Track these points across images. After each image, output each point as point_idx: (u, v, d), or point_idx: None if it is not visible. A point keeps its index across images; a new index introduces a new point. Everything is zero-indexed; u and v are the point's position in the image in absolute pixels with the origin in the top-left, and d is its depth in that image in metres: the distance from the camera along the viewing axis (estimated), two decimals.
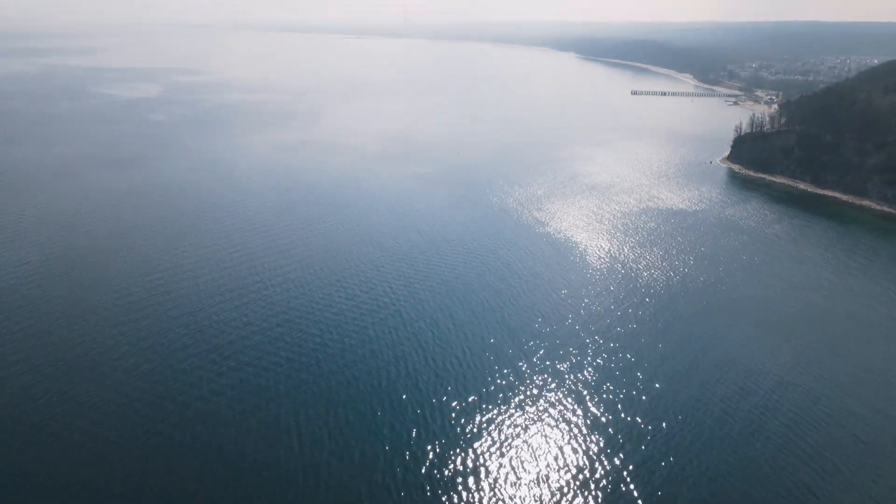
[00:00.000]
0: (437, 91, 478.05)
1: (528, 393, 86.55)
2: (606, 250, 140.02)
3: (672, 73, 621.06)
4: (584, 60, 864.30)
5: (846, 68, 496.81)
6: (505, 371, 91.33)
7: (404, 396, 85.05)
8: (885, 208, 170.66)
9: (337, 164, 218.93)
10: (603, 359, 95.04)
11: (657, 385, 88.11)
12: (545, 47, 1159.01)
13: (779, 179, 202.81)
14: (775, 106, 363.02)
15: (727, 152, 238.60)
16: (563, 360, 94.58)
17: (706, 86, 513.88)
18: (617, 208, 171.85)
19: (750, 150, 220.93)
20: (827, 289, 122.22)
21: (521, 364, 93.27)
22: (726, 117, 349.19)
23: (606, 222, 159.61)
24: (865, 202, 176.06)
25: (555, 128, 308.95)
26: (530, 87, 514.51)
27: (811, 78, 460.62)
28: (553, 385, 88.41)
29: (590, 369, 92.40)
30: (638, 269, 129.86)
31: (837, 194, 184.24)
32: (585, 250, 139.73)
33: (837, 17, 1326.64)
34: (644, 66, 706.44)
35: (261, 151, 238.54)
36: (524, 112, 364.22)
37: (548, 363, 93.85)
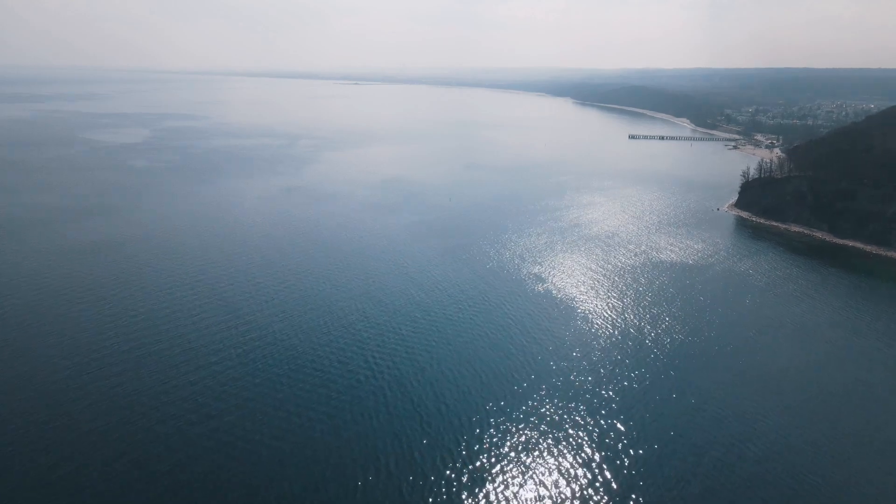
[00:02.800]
0: (431, 136, 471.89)
1: (531, 471, 75.66)
2: (612, 311, 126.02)
3: (669, 117, 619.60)
4: (580, 105, 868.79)
5: (843, 113, 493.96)
6: (509, 442, 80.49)
7: (404, 487, 72.45)
8: None
9: (327, 212, 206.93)
10: (605, 433, 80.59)
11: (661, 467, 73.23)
12: (541, 93, 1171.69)
13: (793, 228, 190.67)
14: (777, 150, 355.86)
15: (734, 199, 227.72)
16: (566, 435, 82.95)
17: (704, 130, 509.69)
18: (621, 262, 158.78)
19: (759, 196, 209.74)
20: (871, 360, 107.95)
21: (527, 438, 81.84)
22: (728, 161, 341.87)
23: (610, 278, 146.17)
24: (891, 253, 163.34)
25: (552, 173, 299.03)
26: (526, 133, 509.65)
27: (810, 122, 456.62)
28: (554, 459, 77.72)
29: (595, 451, 78.15)
30: (646, 333, 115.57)
31: (859, 244, 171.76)
32: (591, 311, 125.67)
33: (828, 63, 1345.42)
34: (640, 110, 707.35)
35: (247, 198, 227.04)
36: (520, 157, 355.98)
37: (551, 434, 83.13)
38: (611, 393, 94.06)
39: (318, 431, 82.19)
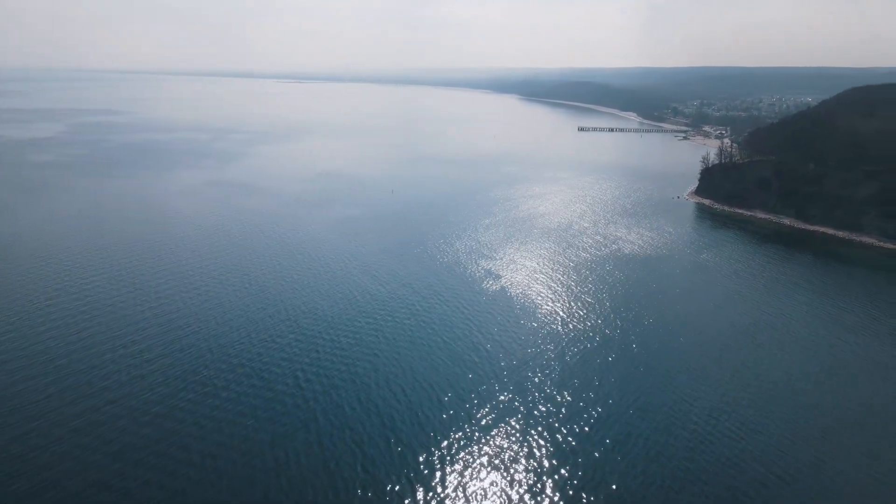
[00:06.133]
0: (375, 131, 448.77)
1: (493, 472, 63.94)
2: (572, 306, 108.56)
3: (615, 111, 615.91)
4: (527, 101, 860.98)
5: (784, 105, 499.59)
6: (470, 443, 67.23)
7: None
8: (889, 245, 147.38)
9: (249, 208, 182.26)
10: (567, 431, 62.85)
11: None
12: (486, 90, 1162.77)
13: (759, 215, 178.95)
14: (726, 140, 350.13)
15: (693, 187, 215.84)
16: (528, 433, 71.99)
17: (651, 122, 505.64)
18: (579, 254, 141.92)
19: (721, 182, 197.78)
20: (846, 350, 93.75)
21: (489, 439, 65.85)
22: (680, 151, 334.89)
23: (569, 272, 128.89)
24: (864, 238, 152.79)
25: (503, 165, 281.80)
26: (473, 126, 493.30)
27: (755, 114, 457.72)
28: (515, 458, 64.77)
29: (558, 449, 63.37)
30: (608, 329, 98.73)
31: (829, 230, 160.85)
32: (550, 308, 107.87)
33: (761, 63, 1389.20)
34: (586, 105, 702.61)
35: (161, 194, 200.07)
36: (469, 151, 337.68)
37: (514, 434, 72.01)
38: (571, 389, 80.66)
39: (260, 436, 70.02)
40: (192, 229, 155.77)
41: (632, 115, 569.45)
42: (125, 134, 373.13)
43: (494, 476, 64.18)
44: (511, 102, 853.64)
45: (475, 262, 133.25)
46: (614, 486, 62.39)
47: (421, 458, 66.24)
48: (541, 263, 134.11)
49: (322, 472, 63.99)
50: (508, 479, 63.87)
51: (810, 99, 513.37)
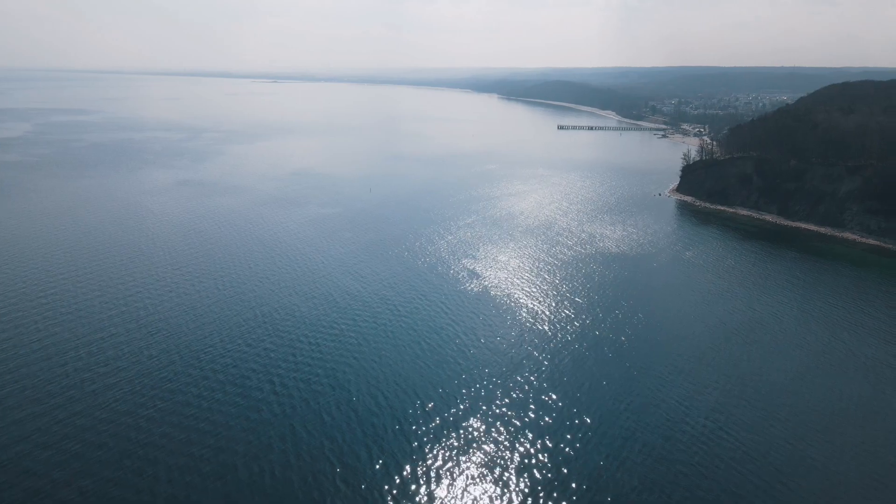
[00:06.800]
0: (353, 130, 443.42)
1: (475, 475, 60.94)
2: (557, 306, 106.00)
3: (595, 110, 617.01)
4: (506, 100, 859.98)
5: (760, 104, 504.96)
6: (453, 447, 63.16)
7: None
8: (872, 241, 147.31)
9: (224, 207, 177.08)
10: (552, 432, 60.35)
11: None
12: (466, 90, 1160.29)
13: (741, 211, 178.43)
14: (705, 138, 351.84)
15: (674, 184, 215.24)
16: (513, 442, 66.95)
17: (630, 121, 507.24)
18: (563, 253, 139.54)
19: (702, 179, 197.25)
20: (830, 347, 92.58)
21: (473, 442, 65.18)
22: (659, 149, 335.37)
23: (553, 271, 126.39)
24: (847, 235, 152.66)
25: (482, 163, 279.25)
26: (453, 125, 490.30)
27: (732, 112, 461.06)
28: (500, 461, 63.62)
29: (543, 451, 60.60)
30: (593, 328, 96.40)
31: (811, 226, 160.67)
32: (535, 307, 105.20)
33: (737, 62, 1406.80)
34: (566, 104, 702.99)
35: (132, 193, 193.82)
36: (448, 149, 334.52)
37: (500, 437, 67.65)
38: (563, 392, 78.10)
39: (235, 447, 66.37)
40: (165, 229, 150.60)
41: (611, 114, 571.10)
42: (95, 133, 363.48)
43: (484, 487, 61.05)
44: (491, 102, 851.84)
45: (458, 262, 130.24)
46: (610, 498, 59.59)
47: (405, 470, 62.90)
48: (525, 262, 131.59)
49: (300, 486, 60.32)
50: (499, 490, 60.75)
51: (786, 97, 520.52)
